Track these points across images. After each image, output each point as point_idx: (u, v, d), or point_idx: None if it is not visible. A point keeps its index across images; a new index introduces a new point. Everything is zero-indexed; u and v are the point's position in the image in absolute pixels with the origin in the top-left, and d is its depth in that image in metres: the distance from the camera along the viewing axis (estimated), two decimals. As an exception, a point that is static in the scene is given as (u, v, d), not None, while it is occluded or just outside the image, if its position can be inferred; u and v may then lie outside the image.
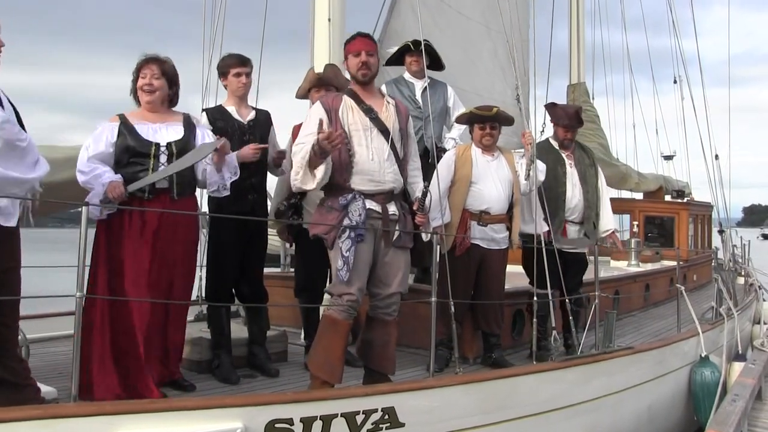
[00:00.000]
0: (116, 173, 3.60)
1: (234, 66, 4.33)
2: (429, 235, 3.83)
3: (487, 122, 4.73)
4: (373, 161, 3.62)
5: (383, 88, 5.33)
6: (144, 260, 3.57)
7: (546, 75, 9.68)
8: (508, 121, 4.85)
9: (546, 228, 4.94)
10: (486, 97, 7.42)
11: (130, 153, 3.64)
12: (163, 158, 3.67)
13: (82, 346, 3.41)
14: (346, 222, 3.53)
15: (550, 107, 5.56)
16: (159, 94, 3.79)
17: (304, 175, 3.53)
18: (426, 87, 5.01)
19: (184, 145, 3.74)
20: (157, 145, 3.67)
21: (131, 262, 3.55)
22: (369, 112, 3.68)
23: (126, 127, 3.68)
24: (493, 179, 4.70)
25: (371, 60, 3.72)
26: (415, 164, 3.91)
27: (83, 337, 3.44)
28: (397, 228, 3.68)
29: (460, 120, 5.07)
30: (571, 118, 5.37)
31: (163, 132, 3.73)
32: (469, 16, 8.19)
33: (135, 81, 3.82)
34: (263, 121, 4.43)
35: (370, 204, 3.62)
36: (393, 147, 3.68)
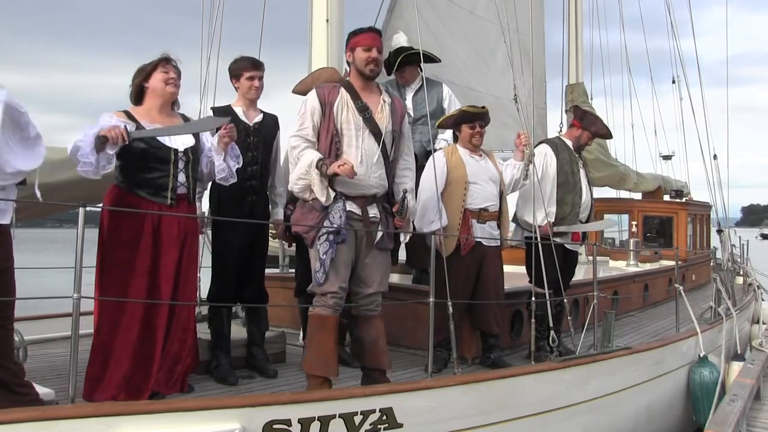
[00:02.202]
0: (131, 177, 3.57)
1: (247, 69, 4.33)
2: (407, 237, 3.83)
3: (477, 120, 4.73)
4: (361, 164, 3.58)
5: None
6: (172, 264, 3.63)
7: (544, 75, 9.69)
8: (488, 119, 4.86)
9: (542, 222, 4.95)
10: (501, 98, 7.40)
11: (150, 158, 3.60)
12: (181, 164, 3.68)
13: (105, 342, 3.48)
14: (326, 223, 3.54)
15: (581, 110, 5.62)
16: (178, 92, 3.78)
17: (305, 186, 3.56)
18: (419, 88, 4.98)
19: (196, 151, 3.78)
20: (176, 151, 3.67)
21: (161, 266, 3.59)
22: (363, 110, 3.63)
23: (141, 130, 3.60)
24: (487, 178, 4.73)
25: (380, 57, 3.69)
26: (405, 163, 3.86)
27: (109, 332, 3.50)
28: (379, 229, 3.68)
29: (447, 123, 4.91)
30: (605, 127, 5.47)
31: (175, 137, 3.72)
32: (482, 17, 8.14)
33: (146, 77, 3.70)
34: (270, 125, 4.42)
35: (351, 206, 3.61)
36: (383, 150, 3.66)
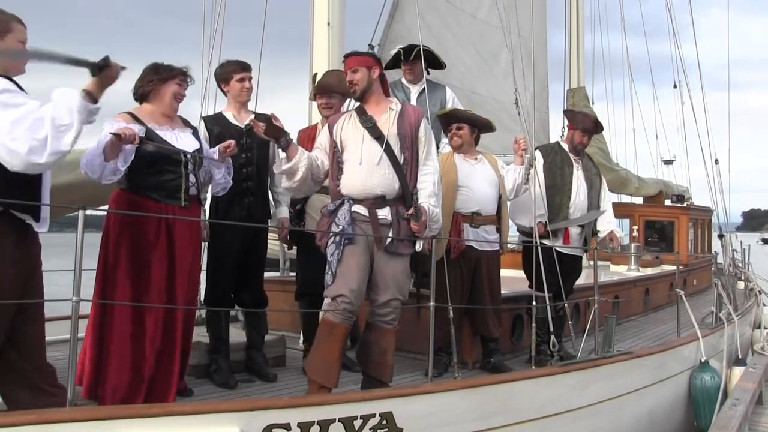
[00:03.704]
0: (142, 181, 3.54)
1: (237, 71, 4.35)
2: (422, 244, 3.77)
3: (452, 123, 4.77)
4: (361, 165, 3.65)
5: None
6: (187, 267, 3.64)
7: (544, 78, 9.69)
8: (469, 119, 4.84)
9: (541, 219, 4.96)
10: (503, 101, 7.40)
11: (162, 160, 3.58)
12: (190, 166, 3.67)
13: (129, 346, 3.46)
14: (333, 227, 3.58)
15: (570, 112, 5.69)
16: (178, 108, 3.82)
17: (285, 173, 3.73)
18: (423, 91, 4.98)
19: (201, 153, 3.78)
20: (185, 153, 3.66)
21: (177, 270, 3.58)
22: (367, 121, 3.73)
23: (151, 132, 3.58)
24: (481, 181, 4.72)
25: (355, 77, 3.78)
26: (426, 168, 3.80)
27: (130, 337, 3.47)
28: (390, 234, 3.65)
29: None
30: (592, 122, 5.49)
31: (182, 140, 3.72)
32: (485, 20, 8.14)
33: (161, 81, 3.68)
34: None
35: (358, 207, 3.64)
36: (389, 150, 3.67)
